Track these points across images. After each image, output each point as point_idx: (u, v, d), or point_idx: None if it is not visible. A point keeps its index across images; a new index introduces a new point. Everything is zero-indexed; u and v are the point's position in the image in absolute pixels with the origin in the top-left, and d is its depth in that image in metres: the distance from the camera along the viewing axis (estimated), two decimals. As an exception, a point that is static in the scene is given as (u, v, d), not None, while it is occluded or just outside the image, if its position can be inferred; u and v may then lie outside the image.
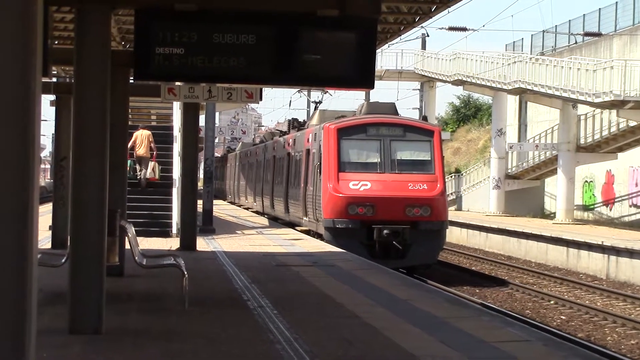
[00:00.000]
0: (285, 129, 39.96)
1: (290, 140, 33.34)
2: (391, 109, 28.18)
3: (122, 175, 15.81)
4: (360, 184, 25.61)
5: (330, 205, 25.69)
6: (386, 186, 25.53)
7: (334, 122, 27.07)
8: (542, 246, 33.07)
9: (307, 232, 28.46)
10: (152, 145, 26.19)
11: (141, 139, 26.08)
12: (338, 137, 26.10)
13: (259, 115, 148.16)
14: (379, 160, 26.01)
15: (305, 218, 29.10)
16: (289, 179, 32.51)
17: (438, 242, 26.03)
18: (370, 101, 30.04)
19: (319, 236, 26.79)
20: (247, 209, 45.64)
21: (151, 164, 26.06)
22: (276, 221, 34.77)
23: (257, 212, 41.53)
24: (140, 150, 25.90)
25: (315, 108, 37.37)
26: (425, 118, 31.26)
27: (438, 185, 25.69)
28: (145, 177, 25.95)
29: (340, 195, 25.52)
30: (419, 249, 25.31)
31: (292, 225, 31.47)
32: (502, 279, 27.51)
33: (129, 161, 22.89)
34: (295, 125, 35.74)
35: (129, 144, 23.55)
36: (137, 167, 26.01)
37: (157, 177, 25.98)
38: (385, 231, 25.00)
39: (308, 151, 29.14)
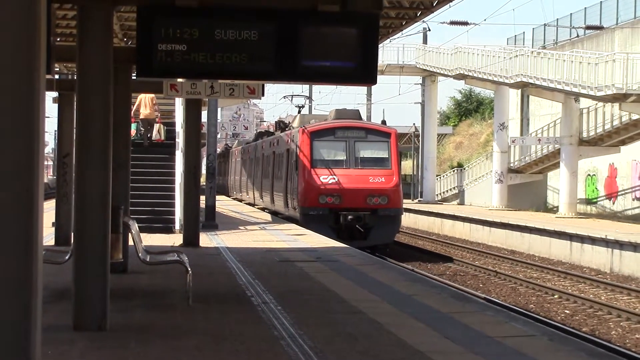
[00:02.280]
0: (273, 130, 45.66)
1: (275, 140, 38.49)
2: (356, 114, 33.52)
3: (126, 171, 15.82)
4: (329, 178, 30.55)
5: (305, 196, 30.76)
6: (350, 179, 30.46)
7: (307, 126, 32.10)
8: (545, 240, 33.08)
9: (288, 219, 33.14)
10: (156, 107, 26.92)
11: (145, 101, 26.77)
12: (311, 138, 31.13)
13: (261, 111, 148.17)
14: (345, 157, 30.99)
15: (286, 207, 33.86)
16: (274, 174, 37.39)
17: (394, 226, 30.96)
18: (338, 108, 34.84)
19: (295, 222, 31.33)
20: (240, 200, 48.72)
21: (156, 126, 26.75)
22: (264, 210, 39.52)
23: (249, 204, 45.84)
24: (145, 111, 26.63)
25: (299, 112, 42.45)
26: (384, 122, 36.07)
27: (394, 179, 30.60)
28: (151, 138, 26.68)
29: (313, 187, 30.51)
30: (378, 232, 30.19)
31: (276, 213, 36.23)
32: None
33: (133, 124, 23.56)
34: (281, 126, 40.95)
35: (134, 108, 24.22)
36: (142, 129, 26.72)
37: (162, 138, 26.92)
38: (349, 217, 29.95)
39: (288, 150, 33.87)
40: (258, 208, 41.83)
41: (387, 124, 34.38)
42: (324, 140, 31.15)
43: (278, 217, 34.55)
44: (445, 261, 31.00)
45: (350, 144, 30.92)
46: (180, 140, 24.97)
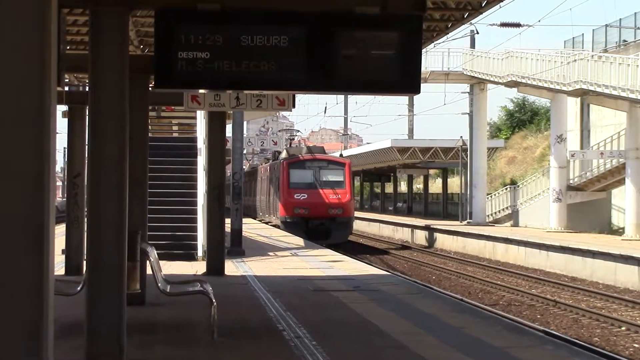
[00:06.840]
0: (271, 157, 62.23)
1: (268, 167, 55.32)
2: (321, 150, 51.45)
3: (143, 193, 15.89)
4: (301, 195, 46.48)
5: (284, 208, 46.71)
6: (316, 196, 46.38)
7: (286, 159, 48.43)
8: (610, 265, 32.85)
9: (275, 225, 48.56)
10: None
11: None
12: (288, 168, 47.41)
13: (291, 124, 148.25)
14: (312, 181, 46.89)
15: (274, 217, 49.83)
16: (268, 193, 53.47)
17: (348, 229, 47.49)
18: (309, 146, 54.53)
19: (278, 227, 46.94)
20: (254, 218, 60.16)
21: None
22: (261, 222, 54.51)
23: (252, 217, 59.88)
24: None
25: (290, 144, 57.99)
26: (341, 155, 59.16)
27: (347, 196, 47.05)
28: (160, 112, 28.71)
29: (289, 202, 46.40)
30: (336, 233, 45.97)
31: (267, 222, 52.76)
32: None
33: None
34: (276, 156, 55.43)
35: None
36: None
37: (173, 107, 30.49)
38: (316, 223, 45.61)
39: (275, 175, 49.79)
40: (258, 220, 57.04)
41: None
42: (297, 168, 47.38)
43: (268, 224, 50.72)
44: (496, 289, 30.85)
45: (316, 171, 47.22)
46: (202, 156, 25.07)
